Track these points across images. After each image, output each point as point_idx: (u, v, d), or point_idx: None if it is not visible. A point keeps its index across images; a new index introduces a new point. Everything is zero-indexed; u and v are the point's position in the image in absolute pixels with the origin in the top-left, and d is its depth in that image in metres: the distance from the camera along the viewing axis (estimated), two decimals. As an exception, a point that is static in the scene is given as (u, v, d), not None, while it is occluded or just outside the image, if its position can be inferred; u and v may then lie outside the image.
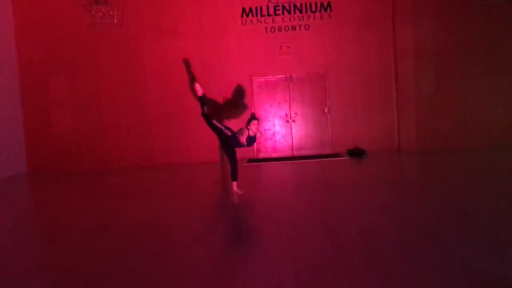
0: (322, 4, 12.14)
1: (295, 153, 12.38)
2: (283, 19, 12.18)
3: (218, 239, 5.11)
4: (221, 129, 7.41)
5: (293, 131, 12.40)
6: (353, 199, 6.74)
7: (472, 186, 7.26)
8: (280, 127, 12.42)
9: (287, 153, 12.41)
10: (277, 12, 12.16)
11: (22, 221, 6.83)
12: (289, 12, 12.17)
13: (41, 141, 12.34)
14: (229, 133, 7.34)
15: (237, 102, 11.88)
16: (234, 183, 7.51)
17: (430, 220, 5.33)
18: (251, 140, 7.21)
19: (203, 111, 7.68)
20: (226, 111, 11.80)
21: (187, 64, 11.62)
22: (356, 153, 11.61)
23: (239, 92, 11.89)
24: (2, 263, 4.72)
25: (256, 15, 12.18)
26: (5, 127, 11.53)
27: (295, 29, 12.20)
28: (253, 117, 7.23)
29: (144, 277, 3.92)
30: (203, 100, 7.90)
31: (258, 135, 7.23)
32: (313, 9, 12.15)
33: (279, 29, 12.20)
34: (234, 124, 9.52)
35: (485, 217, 5.26)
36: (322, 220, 5.53)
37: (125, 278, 3.92)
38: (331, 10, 12.14)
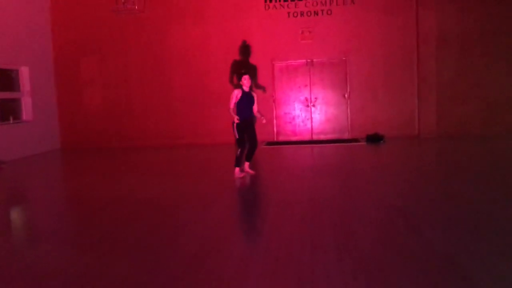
0: (345, -11, 12.17)
1: (314, 137, 12.60)
2: (305, 4, 12.29)
3: (214, 215, 5.50)
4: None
5: (313, 116, 12.61)
6: (354, 184, 6.98)
7: (480, 175, 7.32)
8: (300, 111, 12.65)
9: (306, 137, 12.65)
10: (300, -3, 12.29)
11: (52, 190, 7.53)
12: (312, -3, 12.28)
13: (73, 119, 13.17)
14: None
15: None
16: (246, 163, 7.79)
17: (417, 206, 5.53)
18: (247, 99, 7.48)
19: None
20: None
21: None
22: (374, 138, 11.72)
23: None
24: (33, 220, 5.37)
25: (279, 0, 12.35)
26: (40, 105, 12.35)
27: (317, 14, 12.30)
28: (244, 72, 7.53)
29: (141, 240, 4.39)
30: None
31: (254, 94, 7.57)
32: (336, -6, 12.20)
33: (301, 14, 12.33)
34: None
35: (473, 206, 5.42)
36: (317, 201, 5.84)
37: (124, 241, 4.41)
38: (354, -5, 12.15)
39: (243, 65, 11.91)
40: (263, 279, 3.44)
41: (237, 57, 12.42)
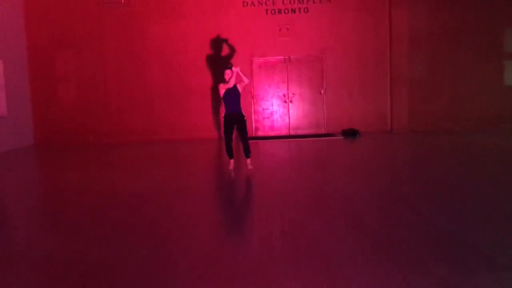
0: (321, -12, 12.52)
1: (292, 132, 12.89)
2: (283, 1, 12.56)
3: (212, 205, 5.65)
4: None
5: (290, 111, 12.89)
6: (346, 175, 7.28)
7: (450, 164, 7.80)
8: (278, 106, 12.90)
9: (284, 132, 12.92)
10: (278, -6, 12.55)
11: (27, 188, 7.38)
12: (289, -5, 12.55)
13: (48, 115, 12.85)
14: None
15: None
16: (248, 160, 7.75)
17: (407, 189, 5.89)
18: (233, 93, 7.46)
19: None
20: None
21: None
22: (349, 133, 12.12)
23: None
24: (10, 219, 5.31)
25: (257, -3, 12.57)
26: (13, 101, 11.99)
27: (294, 11, 12.59)
28: (229, 67, 7.52)
29: (140, 237, 4.47)
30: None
31: (239, 84, 7.50)
32: (313, -8, 12.53)
33: (279, 12, 12.59)
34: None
35: (455, 188, 5.81)
36: (315, 192, 6.08)
37: (123, 238, 4.48)
38: (330, -6, 12.52)
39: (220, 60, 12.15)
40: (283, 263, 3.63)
41: (215, 53, 12.56)
